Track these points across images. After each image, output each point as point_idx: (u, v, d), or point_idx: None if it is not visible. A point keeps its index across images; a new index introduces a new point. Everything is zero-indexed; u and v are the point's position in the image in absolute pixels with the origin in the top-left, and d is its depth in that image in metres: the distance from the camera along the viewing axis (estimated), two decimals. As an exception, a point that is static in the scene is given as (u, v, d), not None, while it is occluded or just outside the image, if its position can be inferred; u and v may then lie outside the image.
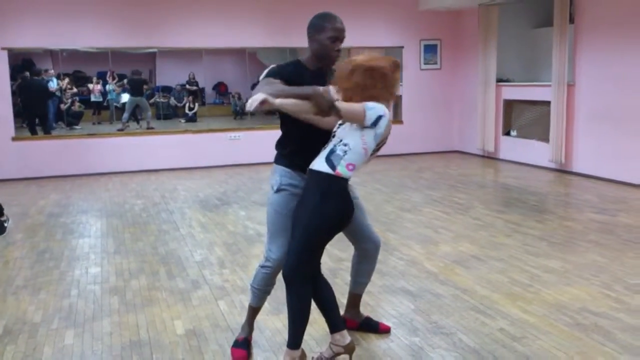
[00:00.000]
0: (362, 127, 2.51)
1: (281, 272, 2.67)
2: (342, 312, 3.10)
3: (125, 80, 10.96)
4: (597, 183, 7.25)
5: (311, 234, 2.55)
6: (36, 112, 9.31)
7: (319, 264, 2.74)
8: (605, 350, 2.86)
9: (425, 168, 8.76)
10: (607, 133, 7.38)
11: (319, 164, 2.55)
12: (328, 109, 2.43)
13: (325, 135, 2.64)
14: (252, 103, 2.38)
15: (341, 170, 2.51)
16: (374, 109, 2.50)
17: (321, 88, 2.51)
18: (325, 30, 2.68)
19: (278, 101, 2.44)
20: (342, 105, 2.46)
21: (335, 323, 2.71)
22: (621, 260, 4.21)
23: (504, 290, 3.69)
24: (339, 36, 2.69)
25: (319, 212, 2.52)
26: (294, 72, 2.68)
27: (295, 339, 2.62)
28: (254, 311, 2.94)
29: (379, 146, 2.61)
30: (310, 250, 2.59)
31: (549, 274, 3.97)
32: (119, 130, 10.06)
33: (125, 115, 10.46)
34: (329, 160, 2.52)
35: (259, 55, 11.57)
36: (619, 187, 6.94)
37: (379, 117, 2.51)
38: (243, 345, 2.90)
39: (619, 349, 2.87)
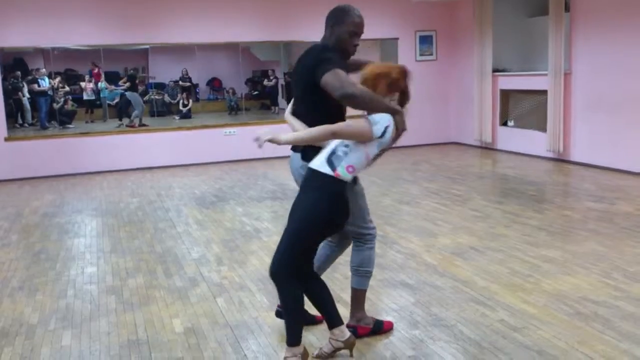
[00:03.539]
0: None
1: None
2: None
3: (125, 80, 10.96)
4: (595, 172, 7.24)
5: (301, 233, 2.54)
6: None
7: (311, 263, 2.72)
8: (605, 339, 2.84)
9: (422, 160, 8.73)
10: (605, 121, 7.36)
11: (319, 163, 2.53)
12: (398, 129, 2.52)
13: None
14: (261, 140, 2.40)
15: (341, 172, 2.50)
16: (380, 122, 2.49)
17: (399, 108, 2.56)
18: (344, 24, 2.69)
19: (284, 138, 2.44)
20: (344, 128, 2.44)
21: (333, 319, 2.70)
22: (620, 249, 4.20)
23: (503, 281, 3.68)
24: (357, 31, 2.71)
25: (313, 212, 2.51)
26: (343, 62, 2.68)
27: (293, 335, 2.61)
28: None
29: (383, 152, 2.59)
30: (297, 249, 2.57)
31: (549, 263, 3.95)
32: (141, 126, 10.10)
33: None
34: (329, 160, 2.51)
35: (253, 50, 11.50)
36: (617, 175, 6.93)
37: (386, 129, 2.49)
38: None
39: (619, 337, 2.86)
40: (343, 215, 2.58)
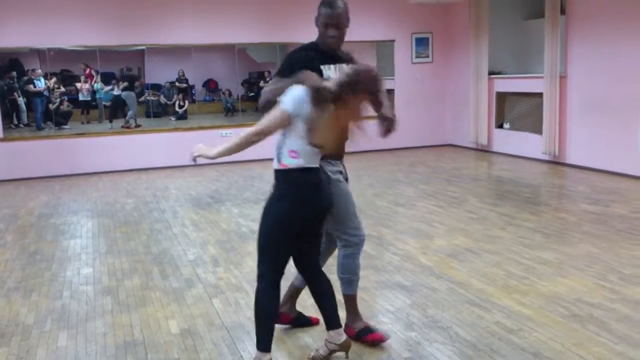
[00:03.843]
0: None
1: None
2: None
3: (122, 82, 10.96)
4: (590, 174, 7.27)
5: (263, 234, 2.53)
6: None
7: (314, 259, 2.71)
8: (601, 341, 2.85)
9: (418, 162, 8.75)
10: (600, 124, 7.40)
11: (274, 162, 2.52)
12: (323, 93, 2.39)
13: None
14: (192, 155, 2.51)
15: (285, 161, 2.46)
16: (288, 98, 2.39)
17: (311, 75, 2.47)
18: (320, 16, 2.67)
19: (213, 153, 2.47)
20: (262, 125, 2.41)
21: (332, 320, 2.69)
22: (615, 251, 4.22)
23: (499, 283, 3.69)
24: (331, 22, 2.65)
25: (270, 211, 2.52)
26: (304, 59, 2.65)
27: (260, 340, 2.54)
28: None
29: (321, 118, 2.45)
30: (266, 251, 2.54)
31: (544, 265, 3.97)
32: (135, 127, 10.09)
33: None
34: (277, 156, 2.49)
35: (249, 51, 11.51)
36: (612, 178, 6.96)
37: (298, 99, 2.38)
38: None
39: (615, 339, 2.87)
40: (313, 202, 2.50)
